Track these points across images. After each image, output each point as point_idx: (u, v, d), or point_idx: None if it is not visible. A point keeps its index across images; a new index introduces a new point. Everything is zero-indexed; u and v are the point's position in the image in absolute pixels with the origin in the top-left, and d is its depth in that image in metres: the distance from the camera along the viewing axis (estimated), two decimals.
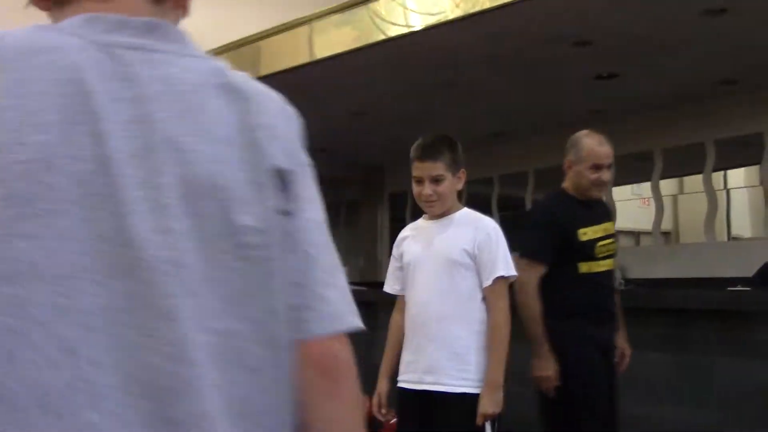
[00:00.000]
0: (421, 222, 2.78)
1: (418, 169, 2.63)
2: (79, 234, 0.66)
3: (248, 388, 0.73)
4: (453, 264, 2.58)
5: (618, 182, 7.46)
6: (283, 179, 0.80)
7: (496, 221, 6.13)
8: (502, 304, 2.57)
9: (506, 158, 8.13)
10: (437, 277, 2.59)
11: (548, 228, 3.11)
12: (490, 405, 2.49)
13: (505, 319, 2.56)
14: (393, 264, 2.81)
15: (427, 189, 2.61)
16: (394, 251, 2.82)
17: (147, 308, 0.67)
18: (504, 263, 2.57)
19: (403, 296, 2.75)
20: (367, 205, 10.14)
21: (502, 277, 2.56)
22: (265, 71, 5.42)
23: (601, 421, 3.10)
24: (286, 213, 0.79)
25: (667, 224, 9.75)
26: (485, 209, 8.42)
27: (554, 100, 6.40)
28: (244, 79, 0.83)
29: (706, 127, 6.26)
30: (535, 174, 7.91)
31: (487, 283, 2.55)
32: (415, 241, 2.73)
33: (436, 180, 2.59)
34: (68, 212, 0.66)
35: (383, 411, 2.72)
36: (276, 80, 5.63)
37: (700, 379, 4.43)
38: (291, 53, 5.21)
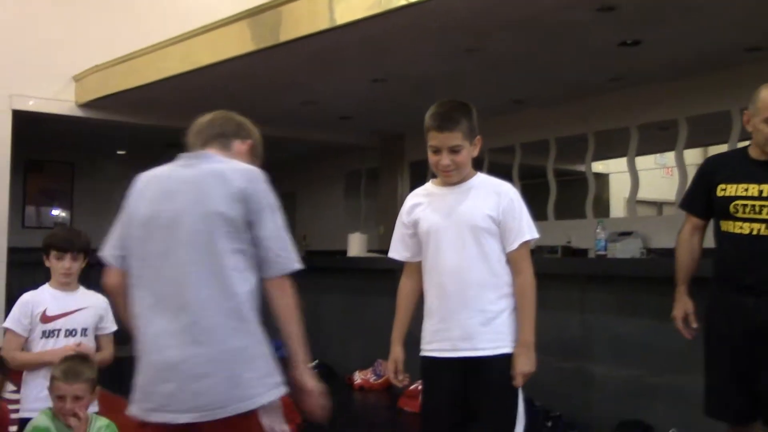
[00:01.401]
0: (432, 188, 2.75)
1: (436, 139, 2.60)
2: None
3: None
4: (479, 230, 2.59)
5: (641, 152, 7.39)
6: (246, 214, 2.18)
7: (518, 190, 6.13)
8: (528, 266, 2.61)
9: (528, 126, 8.06)
10: (465, 244, 2.59)
11: (696, 180, 3.12)
12: (526, 364, 2.56)
13: (532, 281, 2.61)
14: (401, 231, 2.80)
15: (446, 159, 2.60)
16: (404, 218, 2.79)
17: None
18: (528, 227, 2.61)
19: (414, 263, 2.74)
20: (387, 173, 10.11)
21: (526, 241, 2.59)
22: (285, 37, 5.39)
23: (719, 390, 2.99)
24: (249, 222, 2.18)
25: None
26: (506, 178, 8.38)
27: (576, 67, 6.32)
28: (230, 170, 2.23)
29: (733, 94, 6.15)
30: (557, 142, 7.83)
31: (512, 247, 2.59)
32: (432, 209, 2.70)
33: (454, 150, 2.56)
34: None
35: (400, 377, 2.74)
36: (296, 47, 5.63)
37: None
38: (311, 19, 5.17)
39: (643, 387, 4.77)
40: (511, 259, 2.60)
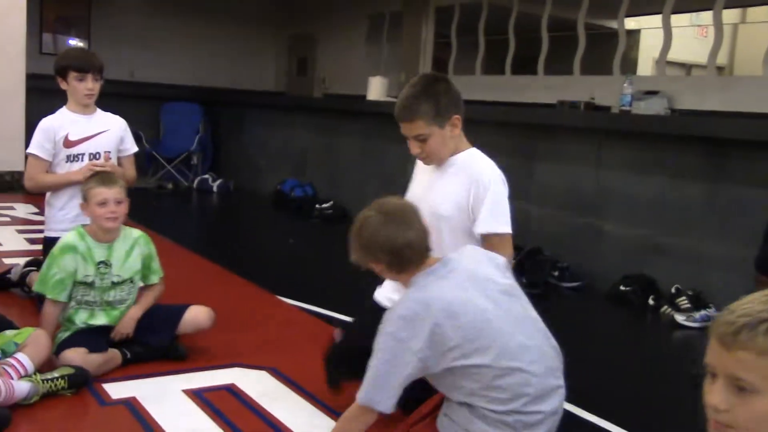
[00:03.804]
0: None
1: (401, 127, 2.44)
2: None
3: None
4: (439, 218, 2.43)
5: (677, 9, 7.09)
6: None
7: (545, 44, 5.93)
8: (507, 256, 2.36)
9: None
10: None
11: None
12: None
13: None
14: None
15: (414, 148, 2.45)
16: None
17: None
18: (498, 219, 2.40)
19: None
20: (411, 18, 9.82)
21: (495, 234, 2.40)
22: None
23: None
24: None
25: (722, 58, 9.34)
26: (534, 31, 8.13)
27: None
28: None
29: None
30: None
31: (479, 232, 2.42)
32: (418, 182, 2.60)
33: (420, 139, 2.41)
34: None
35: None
36: None
37: (733, 210, 4.43)
38: None
39: (652, 244, 4.85)
40: (486, 247, 2.38)
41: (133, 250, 3.04)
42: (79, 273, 2.91)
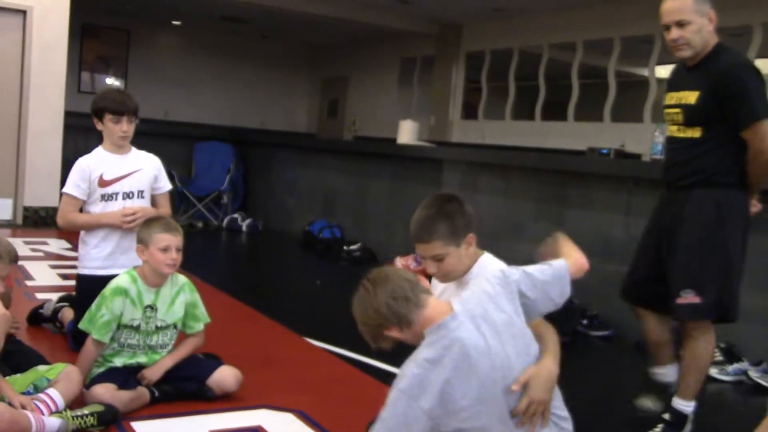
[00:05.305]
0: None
1: (416, 248, 2.43)
2: None
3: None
4: None
5: None
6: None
7: (576, 91, 5.90)
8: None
9: (592, 22, 7.78)
10: None
11: None
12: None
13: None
14: None
15: (431, 268, 2.41)
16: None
17: None
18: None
19: None
20: (442, 62, 9.94)
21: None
22: None
23: (631, 273, 3.42)
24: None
25: None
26: (565, 77, 8.17)
27: None
28: None
29: None
30: (621, 42, 7.57)
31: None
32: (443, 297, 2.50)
33: (437, 258, 2.38)
34: None
35: None
36: None
37: (766, 262, 4.36)
38: None
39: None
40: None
41: (178, 296, 3.08)
42: (125, 317, 2.95)
